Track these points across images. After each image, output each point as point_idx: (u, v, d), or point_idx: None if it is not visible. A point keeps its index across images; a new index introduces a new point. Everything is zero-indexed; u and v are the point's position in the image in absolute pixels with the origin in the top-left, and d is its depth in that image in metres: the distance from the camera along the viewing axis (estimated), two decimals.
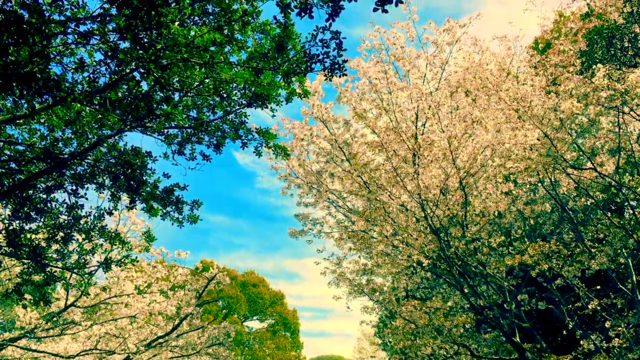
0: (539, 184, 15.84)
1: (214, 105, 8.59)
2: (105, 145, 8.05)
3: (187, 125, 8.77)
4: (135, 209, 8.81)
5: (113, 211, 8.99)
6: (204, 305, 18.52)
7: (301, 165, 16.72)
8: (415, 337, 16.49)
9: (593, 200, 14.38)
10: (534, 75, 12.32)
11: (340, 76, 7.09)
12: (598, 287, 15.87)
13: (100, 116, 8.17)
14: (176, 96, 7.58)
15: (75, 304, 14.53)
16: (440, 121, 13.27)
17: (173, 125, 7.78)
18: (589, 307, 14.60)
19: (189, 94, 8.80)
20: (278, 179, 17.07)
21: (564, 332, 16.32)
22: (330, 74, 7.08)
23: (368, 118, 14.61)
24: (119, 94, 6.69)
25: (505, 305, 14.40)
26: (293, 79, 9.03)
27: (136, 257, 10.19)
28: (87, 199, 8.34)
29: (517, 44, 15.81)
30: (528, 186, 16.57)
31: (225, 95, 8.32)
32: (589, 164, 13.12)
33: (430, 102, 13.05)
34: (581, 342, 13.73)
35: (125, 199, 10.08)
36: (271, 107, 9.58)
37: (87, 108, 7.28)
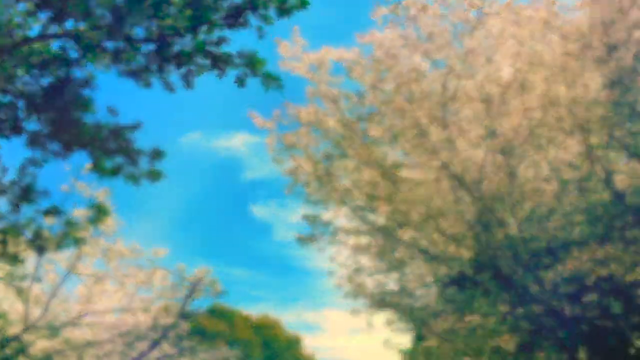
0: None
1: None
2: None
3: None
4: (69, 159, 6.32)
5: (42, 163, 6.53)
6: (191, 318, 15.58)
7: (309, 158, 14.18)
8: None
9: None
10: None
11: None
12: None
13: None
14: None
15: (36, 324, 11.93)
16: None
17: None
18: None
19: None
20: (282, 175, 14.52)
21: (632, 350, 13.41)
22: None
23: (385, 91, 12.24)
24: None
25: (565, 311, 11.55)
26: None
27: (84, 237, 7.69)
28: None
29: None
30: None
31: None
32: None
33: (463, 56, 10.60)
34: None
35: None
36: (258, 26, 7.24)
37: None
